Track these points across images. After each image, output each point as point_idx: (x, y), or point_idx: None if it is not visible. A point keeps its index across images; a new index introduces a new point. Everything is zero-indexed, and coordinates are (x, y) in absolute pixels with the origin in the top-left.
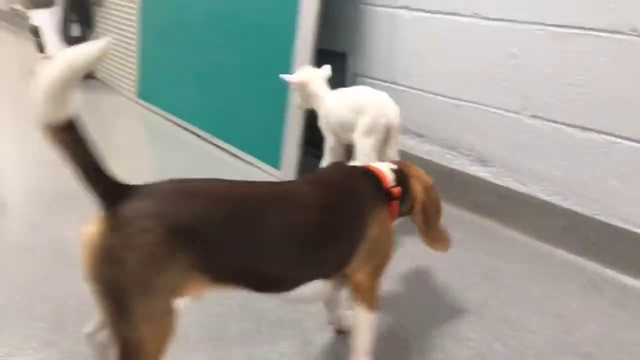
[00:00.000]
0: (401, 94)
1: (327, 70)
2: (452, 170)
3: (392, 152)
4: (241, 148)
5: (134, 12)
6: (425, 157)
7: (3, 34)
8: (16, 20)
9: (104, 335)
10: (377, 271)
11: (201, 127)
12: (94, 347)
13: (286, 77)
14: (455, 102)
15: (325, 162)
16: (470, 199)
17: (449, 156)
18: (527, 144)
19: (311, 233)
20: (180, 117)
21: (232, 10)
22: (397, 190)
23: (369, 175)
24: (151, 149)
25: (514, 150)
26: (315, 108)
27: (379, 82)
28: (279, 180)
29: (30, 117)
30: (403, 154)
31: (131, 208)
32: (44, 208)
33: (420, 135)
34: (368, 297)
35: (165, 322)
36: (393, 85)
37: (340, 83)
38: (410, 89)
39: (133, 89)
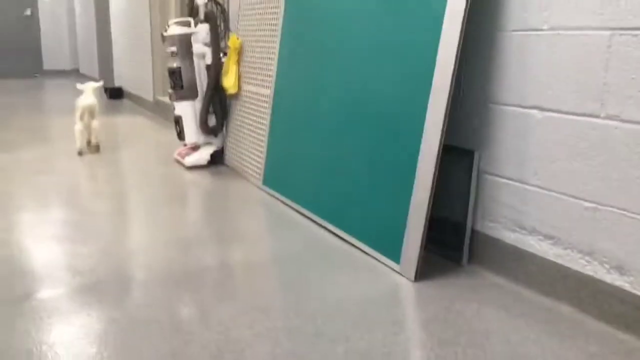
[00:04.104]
0: (531, 194)
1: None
2: (586, 276)
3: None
4: (360, 238)
5: (266, 105)
6: (555, 260)
7: (148, 122)
8: (158, 110)
9: None
10: None
11: (321, 215)
12: None
13: (79, 86)
14: (591, 205)
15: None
16: (605, 310)
17: (582, 261)
18: None
19: None
20: (301, 204)
21: (360, 100)
22: None
23: None
24: (271, 234)
25: None
26: None
27: (507, 181)
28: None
29: (165, 198)
30: (531, 255)
31: None
32: (169, 285)
33: (550, 237)
34: None
35: None
36: (522, 185)
37: (467, 180)
38: (541, 189)
39: (259, 176)
